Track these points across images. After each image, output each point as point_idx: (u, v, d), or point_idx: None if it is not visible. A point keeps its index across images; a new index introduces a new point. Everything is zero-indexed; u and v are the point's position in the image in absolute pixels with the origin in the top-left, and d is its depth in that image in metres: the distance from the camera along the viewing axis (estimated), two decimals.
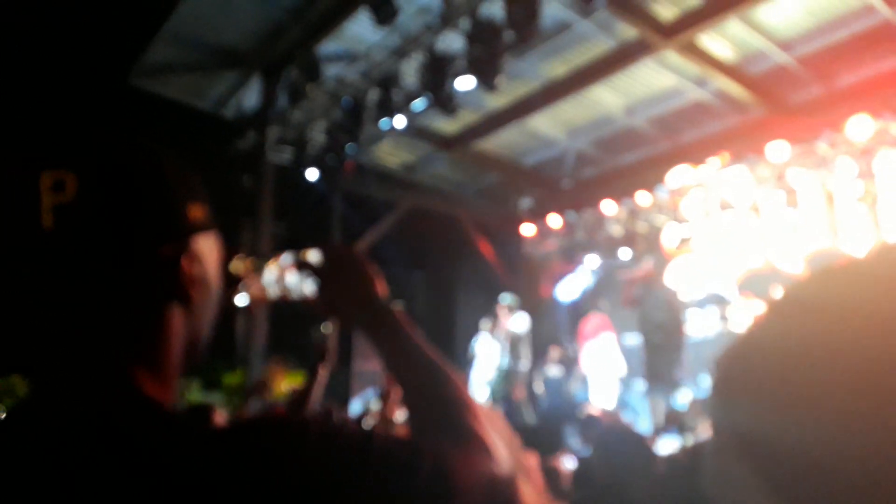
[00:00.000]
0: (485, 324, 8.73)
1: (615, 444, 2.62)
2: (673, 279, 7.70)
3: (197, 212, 0.68)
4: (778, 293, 0.39)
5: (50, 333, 0.61)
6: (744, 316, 7.87)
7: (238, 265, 0.88)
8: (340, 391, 9.70)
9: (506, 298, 8.73)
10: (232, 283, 0.87)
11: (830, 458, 0.31)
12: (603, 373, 8.17)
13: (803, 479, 0.32)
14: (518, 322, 8.41)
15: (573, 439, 5.92)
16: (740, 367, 0.37)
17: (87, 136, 0.65)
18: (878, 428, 0.30)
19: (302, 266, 0.89)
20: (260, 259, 0.91)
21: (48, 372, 0.61)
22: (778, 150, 8.25)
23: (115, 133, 0.66)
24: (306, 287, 0.89)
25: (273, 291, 0.90)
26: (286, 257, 0.90)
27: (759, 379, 0.36)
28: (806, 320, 0.36)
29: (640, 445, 2.50)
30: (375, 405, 7.72)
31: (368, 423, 6.21)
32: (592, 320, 8.57)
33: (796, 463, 0.32)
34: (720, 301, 8.17)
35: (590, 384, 8.37)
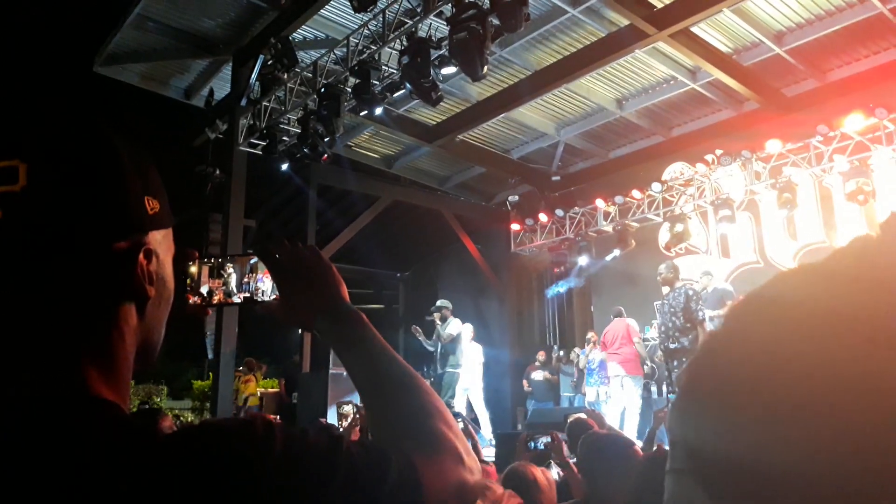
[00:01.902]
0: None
1: (599, 451, 2.64)
2: (690, 282, 7.68)
3: (154, 205, 0.67)
4: (734, 301, 0.41)
5: None
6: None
7: (197, 265, 0.87)
8: (317, 395, 9.66)
9: (440, 302, 8.69)
10: (191, 284, 0.86)
11: (774, 471, 0.32)
12: (627, 383, 8.10)
13: (745, 494, 0.33)
14: (453, 326, 8.36)
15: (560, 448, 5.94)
16: (692, 378, 0.38)
17: (39, 123, 0.64)
18: (824, 437, 0.31)
19: (261, 267, 0.88)
20: (221, 259, 0.90)
21: None
22: (773, 146, 8.36)
23: (69, 119, 0.65)
24: (269, 289, 0.89)
25: (235, 294, 0.89)
26: (248, 257, 0.90)
27: (706, 390, 0.37)
28: (753, 330, 0.37)
29: (625, 452, 2.53)
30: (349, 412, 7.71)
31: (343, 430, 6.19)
32: (616, 327, 8.37)
33: (739, 476, 0.34)
34: (721, 299, 8.21)
35: (614, 395, 8.20)
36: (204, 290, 0.88)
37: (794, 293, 0.37)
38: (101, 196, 0.63)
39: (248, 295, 0.89)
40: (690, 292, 7.05)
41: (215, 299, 0.89)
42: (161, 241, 0.69)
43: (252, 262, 0.90)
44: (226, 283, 0.89)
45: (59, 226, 0.61)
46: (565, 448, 3.54)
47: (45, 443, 0.54)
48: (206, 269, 0.89)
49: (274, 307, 0.89)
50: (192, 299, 0.87)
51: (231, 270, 0.90)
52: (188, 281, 0.87)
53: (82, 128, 0.65)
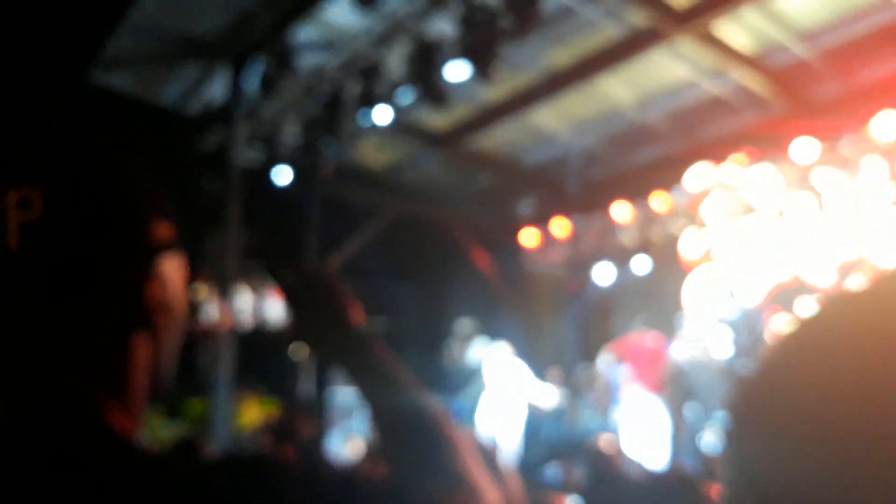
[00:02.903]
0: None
1: (601, 478, 2.57)
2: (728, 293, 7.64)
3: (164, 230, 0.70)
4: (787, 325, 0.41)
5: (10, 359, 0.63)
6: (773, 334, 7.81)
7: (207, 289, 0.87)
8: (319, 419, 9.61)
9: (462, 325, 8.49)
10: (201, 309, 0.86)
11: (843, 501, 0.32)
12: (650, 403, 7.84)
13: None
14: (476, 350, 8.18)
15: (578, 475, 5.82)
16: (753, 412, 0.38)
17: (53, 148, 0.66)
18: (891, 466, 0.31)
19: (271, 291, 0.87)
20: (228, 282, 0.87)
21: (7, 401, 0.62)
22: (802, 149, 8.31)
23: (81, 144, 0.68)
24: (277, 312, 0.87)
25: (243, 317, 0.86)
26: (256, 280, 0.87)
27: (774, 424, 0.37)
28: (824, 354, 0.36)
29: (623, 480, 2.46)
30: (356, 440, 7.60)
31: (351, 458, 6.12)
32: (644, 343, 8.11)
33: None
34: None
35: (633, 417, 7.92)
36: (214, 314, 0.87)
37: (850, 319, 0.37)
38: (113, 224, 0.67)
39: (258, 319, 0.88)
40: (751, 312, 7.12)
41: (225, 324, 0.87)
42: (171, 267, 0.72)
43: (262, 285, 0.88)
44: (236, 308, 0.87)
45: (74, 255, 0.64)
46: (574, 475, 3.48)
47: (58, 473, 0.57)
48: (215, 293, 0.87)
49: (284, 332, 0.93)
50: (202, 324, 0.86)
51: (241, 294, 0.88)
52: (197, 305, 0.86)
53: (94, 153, 0.68)
